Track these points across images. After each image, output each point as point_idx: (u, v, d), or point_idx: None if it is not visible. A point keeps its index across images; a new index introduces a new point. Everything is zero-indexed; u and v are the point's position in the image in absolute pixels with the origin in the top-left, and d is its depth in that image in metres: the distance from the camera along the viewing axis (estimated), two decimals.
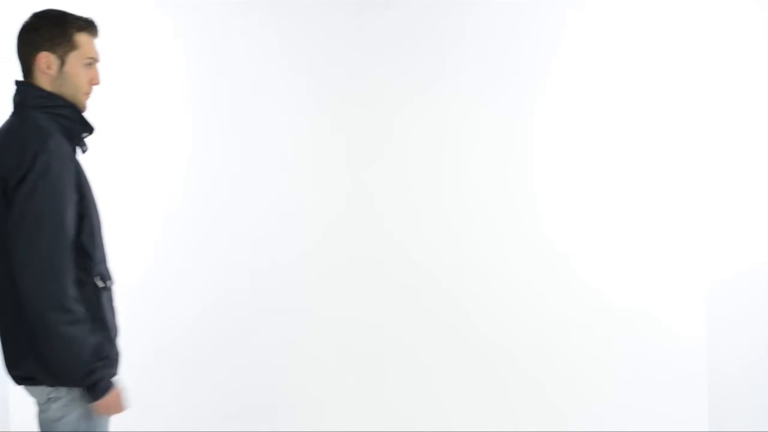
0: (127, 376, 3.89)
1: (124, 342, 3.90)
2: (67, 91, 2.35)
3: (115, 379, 2.33)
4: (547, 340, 3.95)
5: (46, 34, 2.33)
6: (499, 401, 3.96)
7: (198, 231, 3.98)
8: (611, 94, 3.91)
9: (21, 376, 2.32)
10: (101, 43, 3.83)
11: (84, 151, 2.43)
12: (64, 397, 2.30)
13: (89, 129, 2.42)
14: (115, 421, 3.86)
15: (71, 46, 2.34)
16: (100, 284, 2.34)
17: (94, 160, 3.87)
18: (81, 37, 2.36)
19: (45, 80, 2.34)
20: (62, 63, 2.34)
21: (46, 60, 2.32)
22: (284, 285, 4.01)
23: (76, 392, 2.29)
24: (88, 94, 2.41)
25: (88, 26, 2.38)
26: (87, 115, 2.43)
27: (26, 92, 2.34)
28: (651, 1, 3.86)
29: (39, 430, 2.37)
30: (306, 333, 4.01)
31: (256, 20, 4.00)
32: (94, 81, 2.40)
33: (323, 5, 3.99)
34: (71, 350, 2.20)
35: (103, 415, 2.35)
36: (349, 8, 4.00)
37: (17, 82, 2.38)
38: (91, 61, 2.38)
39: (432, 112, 4.00)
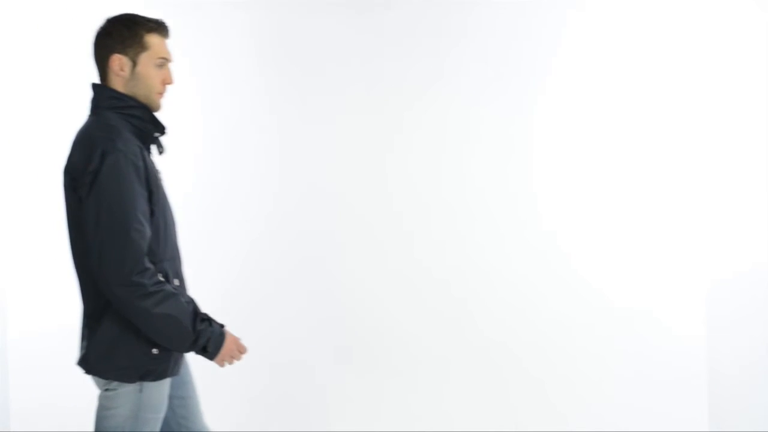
0: None
1: None
2: (140, 92, 2.43)
3: (221, 332, 2.44)
4: (547, 340, 3.95)
5: (117, 37, 2.42)
6: (500, 401, 3.96)
7: (198, 231, 3.98)
8: (611, 94, 3.91)
9: (85, 366, 2.44)
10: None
11: (161, 152, 2.53)
12: (117, 390, 2.40)
13: (161, 129, 2.50)
14: None
15: (142, 47, 2.42)
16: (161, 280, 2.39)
17: None
18: (151, 38, 2.44)
19: (119, 82, 2.43)
20: (134, 64, 2.42)
21: (119, 62, 2.41)
22: (285, 285, 4.01)
23: (129, 388, 2.39)
24: (161, 93, 2.48)
25: (158, 27, 2.46)
26: (160, 115, 2.51)
27: (100, 94, 2.44)
28: (651, 1, 3.86)
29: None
30: (307, 333, 4.01)
31: (255, 21, 4.00)
32: (167, 80, 2.48)
33: (323, 6, 3.99)
34: (173, 325, 2.33)
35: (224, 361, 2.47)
36: (349, 9, 4.00)
37: (93, 85, 2.47)
38: (163, 62, 2.46)
39: (432, 112, 4.00)
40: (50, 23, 3.85)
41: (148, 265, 2.31)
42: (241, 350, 2.51)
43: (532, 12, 3.93)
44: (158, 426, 2.48)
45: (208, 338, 2.40)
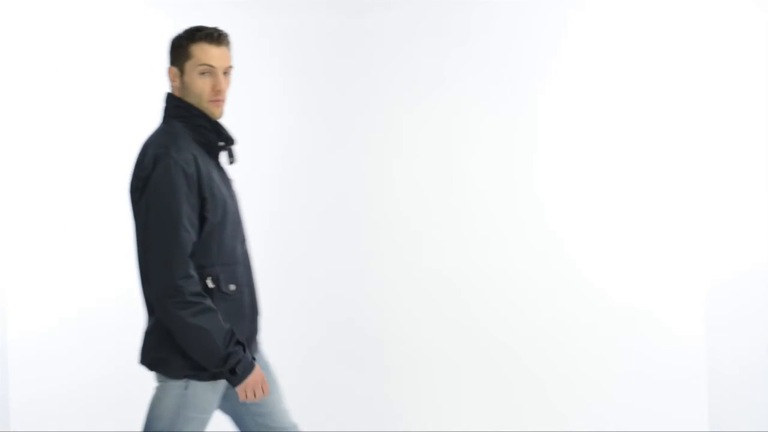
0: (124, 375, 3.91)
1: (123, 341, 3.92)
2: (192, 100, 2.49)
3: (252, 362, 2.46)
4: (547, 340, 3.95)
5: (170, 49, 2.52)
6: (499, 400, 3.96)
7: None
8: (612, 94, 3.91)
9: (140, 357, 2.57)
10: (100, 45, 3.86)
11: (231, 162, 2.59)
12: (164, 384, 2.48)
13: (224, 138, 2.53)
14: (111, 422, 3.87)
15: (186, 56, 2.48)
16: (210, 285, 2.44)
17: (92, 160, 3.90)
18: (194, 47, 2.48)
19: (176, 92, 2.52)
20: (182, 73, 2.49)
21: (171, 73, 2.52)
22: (286, 286, 4.01)
23: (175, 383, 2.45)
24: (212, 101, 2.49)
25: (202, 36, 2.48)
26: (226, 124, 2.55)
27: (167, 102, 2.54)
28: (652, 1, 3.86)
29: None
30: (311, 334, 4.01)
31: (255, 22, 4.00)
32: (216, 87, 2.48)
33: (323, 6, 3.99)
34: (205, 339, 2.36)
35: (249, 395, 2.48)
36: (349, 9, 4.00)
37: (165, 94, 2.56)
38: (206, 69, 2.47)
39: (433, 113, 4.00)
40: (51, 23, 3.85)
41: (192, 273, 2.36)
42: (264, 389, 2.50)
43: (533, 12, 3.92)
44: (203, 426, 2.51)
45: (239, 361, 2.41)
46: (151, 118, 3.94)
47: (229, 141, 2.55)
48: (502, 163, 3.97)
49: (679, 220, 3.86)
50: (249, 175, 3.99)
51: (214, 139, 2.51)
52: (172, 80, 2.52)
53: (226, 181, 2.56)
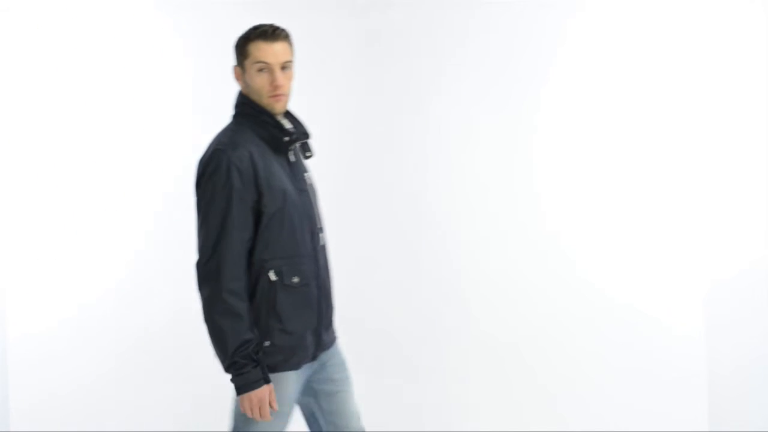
0: (124, 376, 3.91)
1: (123, 342, 3.92)
2: (254, 98, 2.57)
3: (258, 381, 2.44)
4: (546, 340, 3.95)
5: (234, 50, 2.61)
6: (499, 400, 3.96)
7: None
8: (611, 94, 3.91)
9: None
10: (99, 44, 3.85)
11: (307, 156, 2.69)
12: None
13: (287, 134, 2.58)
14: (111, 422, 3.87)
15: (245, 55, 2.56)
16: (273, 278, 2.48)
17: (88, 160, 3.90)
18: (251, 45, 2.55)
19: (243, 90, 2.60)
20: (244, 72, 2.58)
21: (236, 72, 2.61)
22: None
23: None
24: (272, 96, 2.54)
25: (257, 34, 2.55)
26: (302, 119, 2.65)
27: (237, 100, 2.63)
28: (652, 2, 3.86)
29: None
30: None
31: (254, 21, 3.98)
32: (274, 83, 2.53)
33: (322, 6, 3.99)
34: (219, 339, 2.41)
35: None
36: (348, 10, 4.00)
37: (237, 92, 2.64)
38: (262, 66, 2.53)
39: (433, 113, 4.00)
40: (51, 23, 3.85)
41: (238, 269, 2.42)
42: (263, 412, 2.46)
43: (533, 13, 3.92)
44: (282, 419, 2.54)
45: (241, 374, 2.42)
46: (152, 118, 3.97)
47: (294, 135, 2.58)
48: (500, 164, 3.97)
49: (678, 220, 3.86)
50: None
51: (278, 134, 2.56)
52: (237, 79, 2.60)
53: (296, 174, 2.60)
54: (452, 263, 4.00)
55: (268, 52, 2.53)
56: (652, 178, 3.88)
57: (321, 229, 2.67)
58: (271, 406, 2.47)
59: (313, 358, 2.60)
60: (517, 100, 3.96)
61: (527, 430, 3.89)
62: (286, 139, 2.56)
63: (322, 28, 3.96)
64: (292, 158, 2.61)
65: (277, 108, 2.56)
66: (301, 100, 3.99)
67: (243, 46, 2.56)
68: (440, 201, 4.00)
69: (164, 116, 3.98)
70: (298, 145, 2.64)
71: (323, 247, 2.67)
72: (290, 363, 2.52)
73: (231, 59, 3.97)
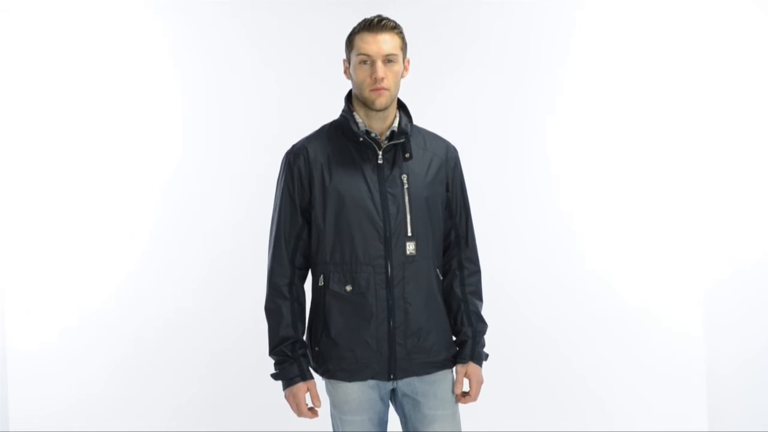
0: (124, 376, 3.91)
1: (123, 343, 3.91)
2: (356, 91, 2.47)
3: (291, 380, 2.43)
4: (545, 340, 3.95)
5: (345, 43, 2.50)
6: (498, 400, 3.95)
7: (205, 232, 3.98)
8: (611, 94, 3.91)
9: None
10: (100, 44, 3.85)
11: (406, 158, 2.48)
12: None
13: (359, 135, 2.44)
14: (111, 422, 3.86)
15: (350, 48, 2.46)
16: (320, 283, 2.43)
17: (84, 159, 3.89)
18: (356, 38, 2.44)
19: (351, 83, 2.50)
20: (350, 65, 2.47)
21: (344, 65, 2.51)
22: None
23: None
24: (373, 90, 2.41)
25: (363, 25, 2.43)
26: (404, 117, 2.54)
27: (347, 95, 2.54)
28: (653, 3, 3.87)
29: None
30: None
31: (253, 21, 3.99)
32: (374, 75, 2.40)
33: (321, 6, 3.98)
34: (268, 331, 2.46)
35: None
36: (348, 10, 3.99)
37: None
38: (365, 58, 2.41)
39: (434, 113, 3.99)
40: (50, 23, 3.84)
41: (285, 262, 2.44)
42: (301, 411, 2.45)
43: (539, 12, 3.93)
44: (356, 427, 2.44)
45: (279, 369, 2.45)
46: (151, 119, 3.96)
47: (362, 136, 2.43)
48: (503, 165, 3.98)
49: (678, 219, 3.86)
50: (245, 175, 4.00)
51: (353, 131, 2.44)
52: (344, 73, 2.51)
53: (383, 177, 2.43)
54: None
55: (370, 43, 2.39)
56: (652, 178, 3.89)
57: (408, 238, 2.42)
58: (313, 404, 2.45)
59: (389, 377, 2.42)
60: (518, 101, 3.97)
61: (527, 429, 3.89)
62: (361, 139, 2.43)
63: (322, 28, 3.95)
64: (380, 160, 2.44)
65: (378, 103, 2.42)
66: (301, 100, 4.02)
67: (350, 37, 2.45)
68: None
69: (164, 117, 3.97)
70: (386, 145, 2.45)
71: (410, 258, 2.43)
72: (347, 373, 2.41)
73: (227, 60, 3.99)
